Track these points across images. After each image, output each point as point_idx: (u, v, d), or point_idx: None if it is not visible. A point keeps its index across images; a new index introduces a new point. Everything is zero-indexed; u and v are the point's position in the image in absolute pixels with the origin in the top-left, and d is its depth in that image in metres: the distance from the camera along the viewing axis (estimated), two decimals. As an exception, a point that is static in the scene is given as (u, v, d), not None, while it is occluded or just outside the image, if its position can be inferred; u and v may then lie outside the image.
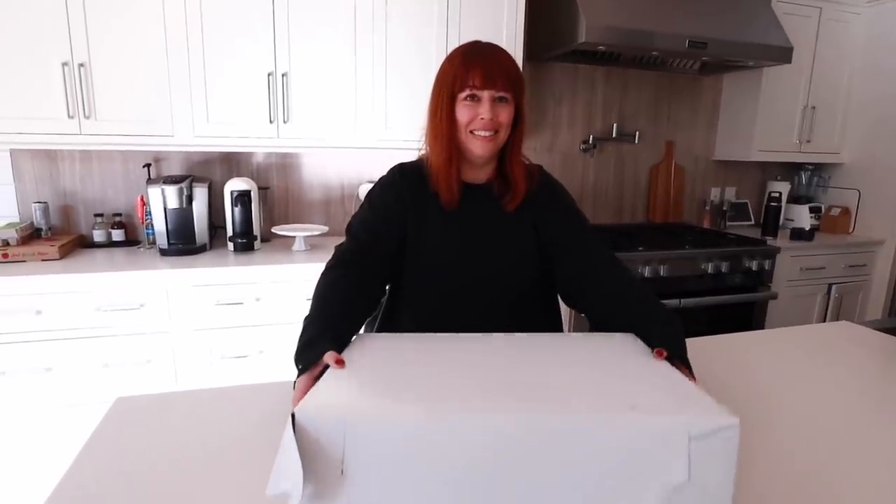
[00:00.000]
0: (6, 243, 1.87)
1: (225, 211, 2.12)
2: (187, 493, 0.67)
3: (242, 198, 2.08)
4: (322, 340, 0.79)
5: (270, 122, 2.04)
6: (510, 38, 2.21)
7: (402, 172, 1.11)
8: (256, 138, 2.05)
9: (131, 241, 2.20)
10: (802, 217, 3.02)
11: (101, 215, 2.16)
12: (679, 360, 0.80)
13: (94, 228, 2.15)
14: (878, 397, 0.99)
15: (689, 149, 3.05)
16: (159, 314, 1.83)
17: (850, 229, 3.01)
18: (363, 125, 2.14)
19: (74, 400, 1.79)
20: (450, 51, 1.06)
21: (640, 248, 2.37)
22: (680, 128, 3.00)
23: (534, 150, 2.71)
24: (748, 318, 2.61)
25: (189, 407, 0.89)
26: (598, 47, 2.31)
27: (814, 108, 2.89)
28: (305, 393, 0.64)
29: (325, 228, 2.26)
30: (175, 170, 2.26)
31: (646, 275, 2.32)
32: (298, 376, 0.78)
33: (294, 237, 2.19)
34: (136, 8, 1.86)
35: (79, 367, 1.79)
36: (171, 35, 1.90)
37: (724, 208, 3.10)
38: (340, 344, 0.81)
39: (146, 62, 1.90)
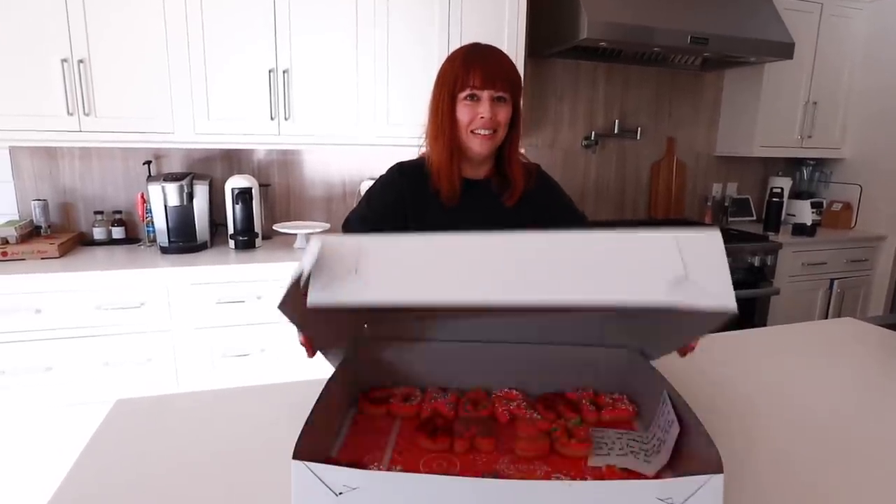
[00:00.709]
0: (5, 241, 1.86)
1: (226, 208, 2.11)
2: (188, 497, 0.66)
3: (243, 195, 2.07)
4: None
5: (272, 118, 2.03)
6: (512, 34, 2.20)
7: (401, 171, 1.13)
8: (257, 135, 2.04)
9: (132, 239, 2.19)
10: (804, 212, 3.02)
11: (101, 213, 2.15)
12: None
13: (94, 226, 2.14)
14: (882, 394, 0.99)
15: (690, 145, 3.04)
16: (160, 312, 1.83)
17: (852, 224, 3.00)
18: (365, 122, 2.12)
19: (75, 399, 1.79)
20: (451, 47, 1.07)
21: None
22: (681, 124, 2.99)
23: (535, 147, 2.70)
24: (750, 313, 2.61)
25: (189, 409, 0.88)
26: (599, 43, 2.30)
27: (815, 103, 2.88)
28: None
29: (327, 226, 2.25)
30: (176, 167, 2.24)
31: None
32: None
33: (295, 234, 2.18)
34: (136, 3, 1.85)
35: (79, 367, 1.78)
36: (172, 30, 1.89)
37: (726, 204, 3.10)
38: None
39: (146, 58, 1.89)
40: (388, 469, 0.67)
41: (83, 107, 1.85)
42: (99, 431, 0.82)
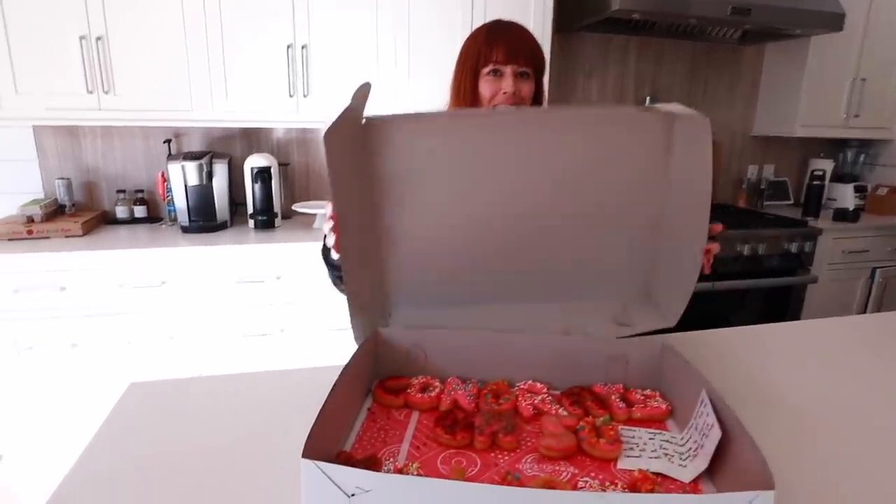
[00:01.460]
0: (31, 220, 1.87)
1: (245, 188, 2.08)
2: (196, 485, 0.64)
3: (262, 174, 2.05)
4: None
5: (290, 96, 1.99)
6: (538, 6, 2.09)
7: None
8: (276, 113, 2.00)
9: (153, 218, 2.19)
10: (846, 197, 2.86)
11: (123, 192, 2.15)
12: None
13: (116, 205, 2.14)
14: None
15: (725, 124, 2.90)
16: (181, 291, 1.82)
17: (898, 210, 2.84)
18: (385, 100, 2.06)
19: (100, 375, 1.81)
20: (475, 24, 1.06)
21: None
22: (717, 102, 2.85)
23: (562, 126, 2.60)
24: (785, 302, 2.50)
25: (203, 394, 0.85)
26: (632, 15, 2.18)
27: (864, 80, 2.70)
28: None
29: (347, 206, 2.22)
30: (195, 146, 2.23)
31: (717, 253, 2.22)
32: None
33: (314, 214, 2.15)
34: (153, -23, 1.81)
35: (103, 344, 1.80)
36: (189, 6, 1.84)
37: (762, 187, 2.96)
38: None
39: (164, 35, 1.85)
40: (405, 466, 0.63)
41: (102, 84, 1.83)
42: (111, 415, 0.80)
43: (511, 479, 0.61)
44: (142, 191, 2.19)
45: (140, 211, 2.16)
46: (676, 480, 0.63)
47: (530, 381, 0.84)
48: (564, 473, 0.65)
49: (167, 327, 1.84)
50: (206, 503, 0.62)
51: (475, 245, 0.87)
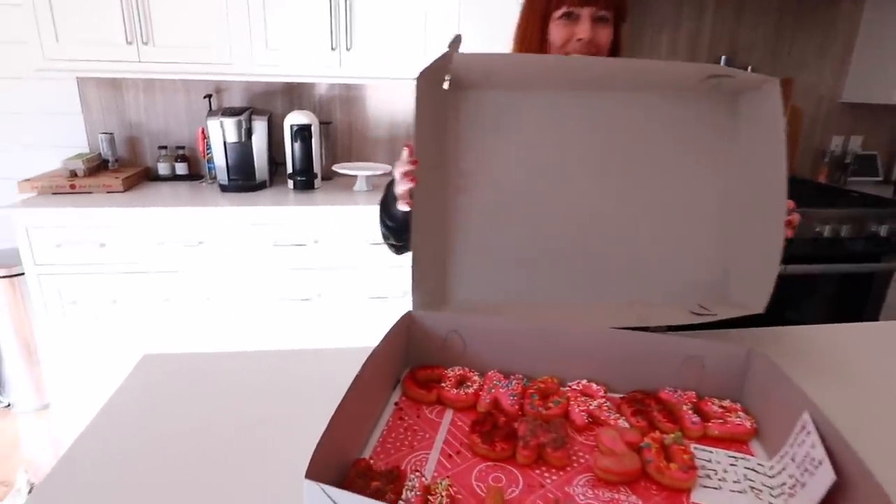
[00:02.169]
0: (74, 174, 1.86)
1: (285, 146, 2.01)
2: (197, 465, 0.57)
3: (302, 132, 1.96)
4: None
5: (332, 49, 1.87)
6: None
7: None
8: (317, 67, 1.89)
9: (194, 176, 2.15)
10: (948, 174, 2.52)
11: (164, 148, 2.12)
12: None
13: (158, 161, 2.11)
14: None
15: (811, 88, 2.58)
16: (218, 252, 1.79)
17: None
18: (434, 54, 1.91)
19: (139, 331, 1.81)
20: None
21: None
22: (803, 63, 2.54)
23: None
24: (865, 290, 2.25)
25: (218, 370, 0.78)
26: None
27: (984, 39, 2.33)
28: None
29: (389, 168, 2.11)
30: (236, 101, 2.16)
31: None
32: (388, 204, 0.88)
33: (356, 176, 2.06)
34: (192, -82, 1.70)
35: (142, 301, 1.79)
36: (228, -51, 1.74)
37: (847, 161, 2.65)
38: None
39: (203, -19, 1.76)
40: (433, 482, 0.53)
41: (141, 35, 1.76)
42: (122, 387, 0.74)
43: (560, 507, 0.51)
44: (183, 147, 2.15)
45: (181, 168, 2.13)
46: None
47: (584, 382, 0.72)
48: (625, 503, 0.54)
49: (204, 288, 1.81)
50: (203, 487, 0.55)
51: (542, 229, 0.83)
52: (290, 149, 1.98)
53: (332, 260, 1.84)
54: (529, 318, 0.75)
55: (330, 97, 2.22)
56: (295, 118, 1.96)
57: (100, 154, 2.03)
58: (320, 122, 2.06)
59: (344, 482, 0.52)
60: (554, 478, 0.57)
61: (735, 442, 0.64)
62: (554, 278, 0.84)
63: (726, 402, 0.68)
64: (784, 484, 0.55)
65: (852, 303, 2.24)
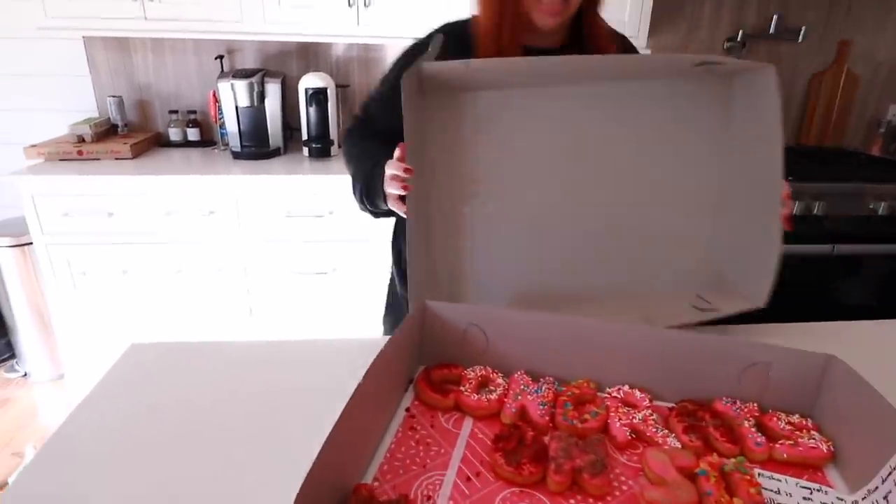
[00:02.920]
0: (81, 139, 1.79)
1: (300, 111, 1.90)
2: (178, 462, 0.50)
3: (318, 96, 1.84)
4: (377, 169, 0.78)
5: (350, 5, 1.73)
6: None
7: (441, 30, 0.91)
8: (333, 25, 1.76)
9: (206, 142, 2.07)
10: None
11: (175, 112, 2.03)
12: None
13: (169, 126, 2.03)
14: None
15: (869, 51, 2.35)
16: (229, 222, 1.71)
17: None
18: (457, 12, 1.77)
19: (150, 303, 1.77)
20: None
21: (790, 178, 1.88)
22: (862, 23, 2.30)
23: (660, 52, 2.20)
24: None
25: (208, 360, 0.71)
26: None
27: None
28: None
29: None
30: (249, 63, 2.05)
31: (794, 212, 1.86)
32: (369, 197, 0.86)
33: (373, 145, 1.95)
34: None
35: (153, 272, 1.74)
36: None
37: (905, 131, 2.43)
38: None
39: (210, -70, 1.63)
40: (447, 513, 0.45)
41: (146, -11, 1.66)
42: (106, 376, 0.68)
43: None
44: (194, 112, 2.06)
45: (193, 134, 2.04)
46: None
47: (625, 388, 0.62)
48: (679, 547, 0.45)
49: (216, 259, 1.75)
50: (189, 484, 0.48)
51: (543, 229, 0.80)
52: (305, 113, 1.88)
53: (349, 232, 1.75)
54: (561, 315, 0.65)
55: (347, 59, 2.09)
56: (310, 81, 1.85)
57: (108, 119, 1.95)
58: (337, 86, 1.94)
59: (342, 514, 0.44)
60: (592, 510, 0.48)
61: (808, 467, 0.54)
62: (557, 273, 0.81)
63: (795, 418, 0.58)
64: (876, 529, 0.45)
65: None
